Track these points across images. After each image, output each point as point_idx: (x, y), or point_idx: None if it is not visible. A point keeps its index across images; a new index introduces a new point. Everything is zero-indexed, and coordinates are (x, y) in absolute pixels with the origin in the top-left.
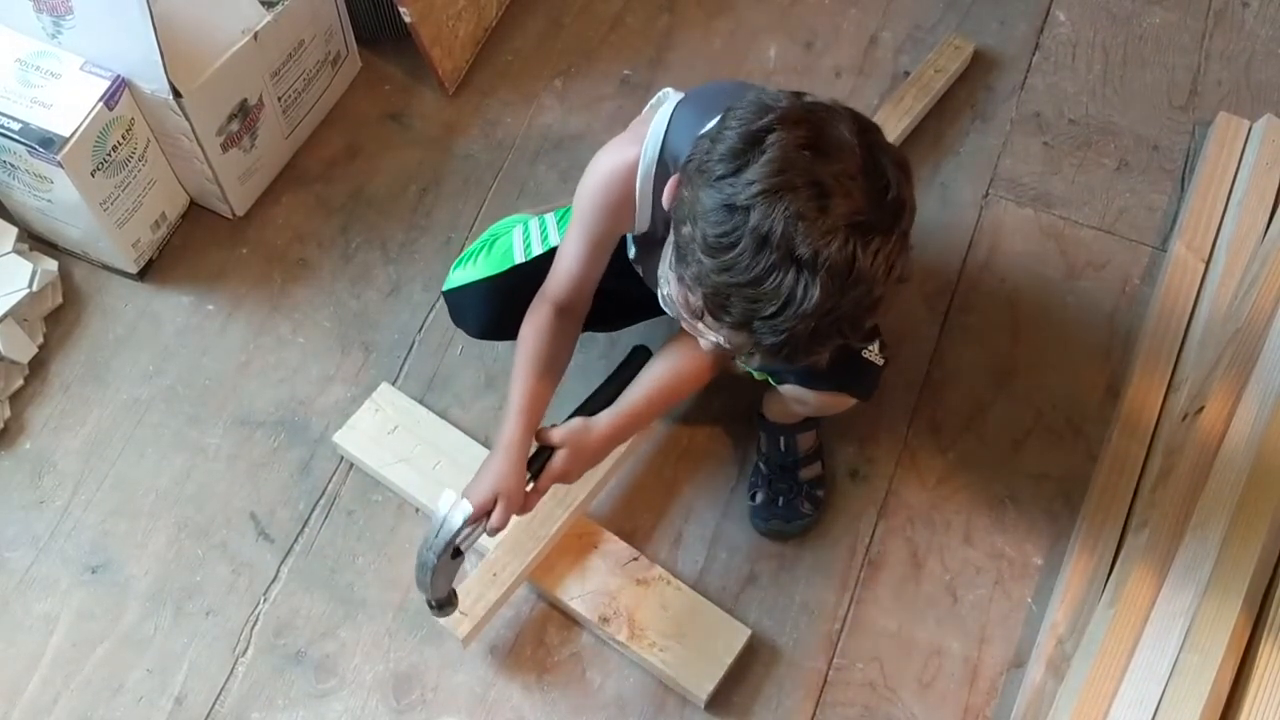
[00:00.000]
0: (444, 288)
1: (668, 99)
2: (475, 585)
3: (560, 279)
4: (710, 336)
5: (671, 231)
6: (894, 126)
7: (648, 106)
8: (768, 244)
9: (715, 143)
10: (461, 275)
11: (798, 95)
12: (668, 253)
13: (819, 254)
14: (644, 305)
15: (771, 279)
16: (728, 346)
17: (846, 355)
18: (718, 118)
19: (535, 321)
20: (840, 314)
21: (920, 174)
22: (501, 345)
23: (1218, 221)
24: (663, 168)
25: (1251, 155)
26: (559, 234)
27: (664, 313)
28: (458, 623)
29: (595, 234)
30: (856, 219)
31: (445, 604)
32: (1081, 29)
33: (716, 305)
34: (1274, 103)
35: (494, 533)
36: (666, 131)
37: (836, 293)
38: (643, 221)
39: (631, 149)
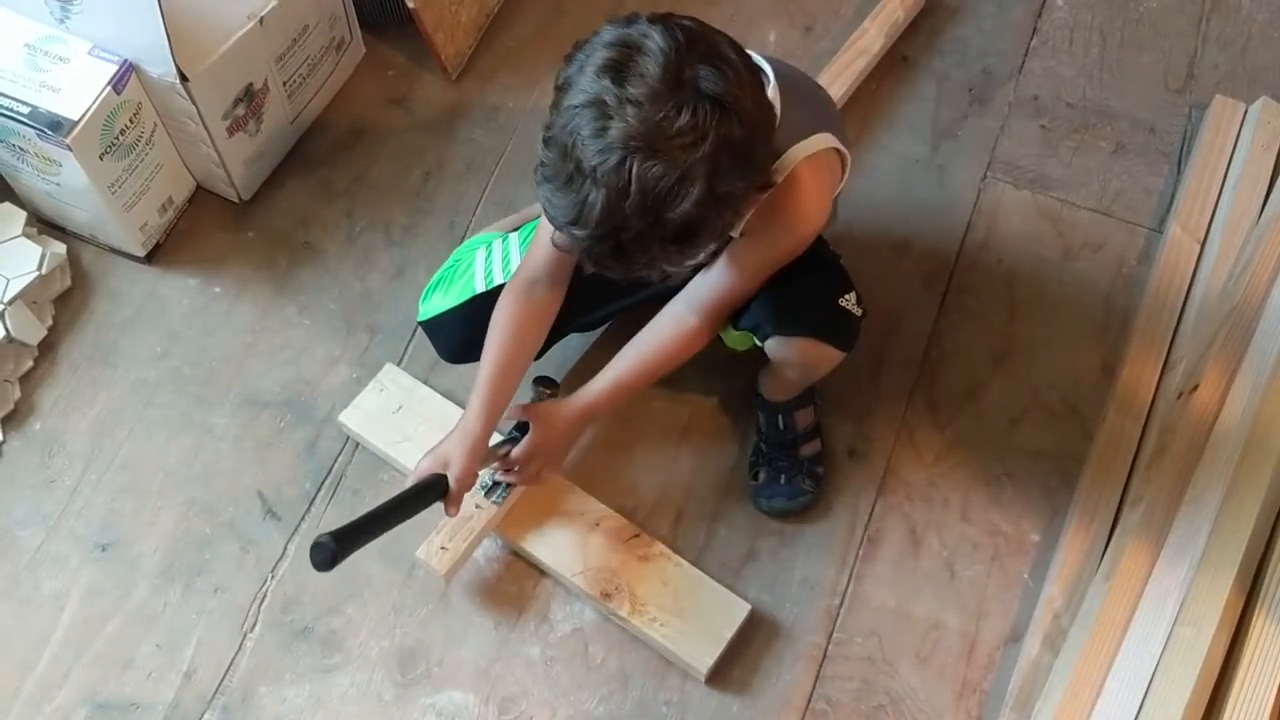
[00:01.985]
0: (418, 319)
1: None
2: (455, 522)
3: (536, 252)
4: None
5: None
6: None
7: None
8: (567, 155)
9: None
10: (431, 306)
11: (669, 18)
12: None
13: (596, 169)
14: (615, 293)
15: (570, 187)
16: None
17: (824, 303)
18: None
19: (506, 304)
20: (642, 230)
21: (919, 156)
22: None
23: (1213, 203)
24: None
25: (1247, 138)
26: (520, 257)
27: (633, 300)
28: (440, 558)
29: None
30: (632, 143)
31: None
32: (1079, 13)
33: (545, 206)
34: (1270, 86)
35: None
36: None
37: (619, 208)
38: None
39: None
